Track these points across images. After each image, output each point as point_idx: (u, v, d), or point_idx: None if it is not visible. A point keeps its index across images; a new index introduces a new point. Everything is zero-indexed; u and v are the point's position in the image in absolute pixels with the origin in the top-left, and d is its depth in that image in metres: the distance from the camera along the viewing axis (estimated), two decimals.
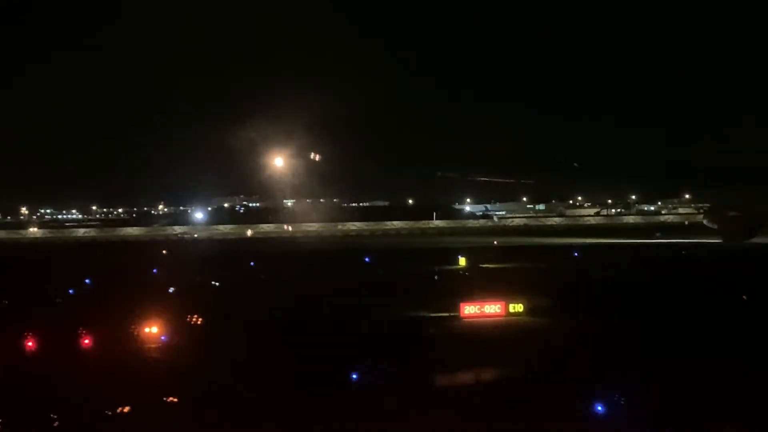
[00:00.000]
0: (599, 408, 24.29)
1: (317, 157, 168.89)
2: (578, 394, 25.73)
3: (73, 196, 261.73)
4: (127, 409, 26.28)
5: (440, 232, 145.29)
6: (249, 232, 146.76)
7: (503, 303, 45.00)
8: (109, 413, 25.77)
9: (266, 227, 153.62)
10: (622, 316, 42.65)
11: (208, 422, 24.91)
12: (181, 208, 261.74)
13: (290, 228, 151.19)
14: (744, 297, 48.05)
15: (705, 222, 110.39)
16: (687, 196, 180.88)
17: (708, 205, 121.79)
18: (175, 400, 27.43)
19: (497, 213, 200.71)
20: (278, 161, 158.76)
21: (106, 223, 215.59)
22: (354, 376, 29.40)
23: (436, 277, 63.50)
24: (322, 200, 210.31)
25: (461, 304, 44.49)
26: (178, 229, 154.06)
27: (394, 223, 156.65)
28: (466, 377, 29.81)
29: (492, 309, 44.78)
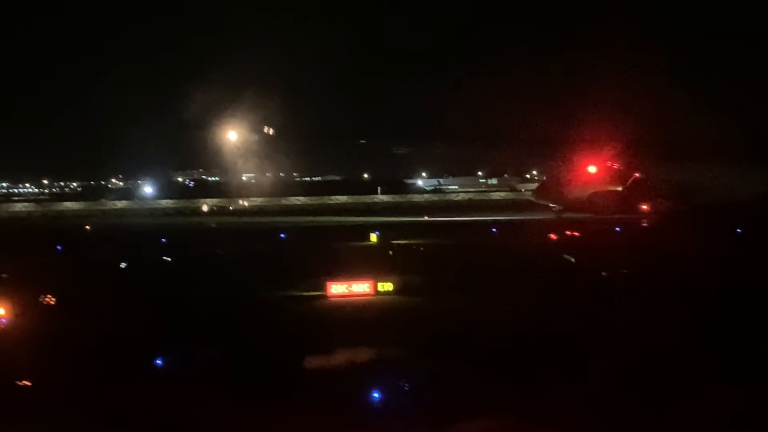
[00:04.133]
0: (375, 395, 23.68)
1: (270, 131, 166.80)
2: (365, 380, 25.15)
3: (34, 170, 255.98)
4: None
5: (384, 206, 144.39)
6: (205, 208, 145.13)
7: (372, 281, 44.32)
8: None
9: (209, 201, 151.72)
10: (494, 295, 41.89)
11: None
12: (139, 182, 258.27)
13: (245, 203, 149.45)
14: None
15: (534, 198, 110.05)
16: None
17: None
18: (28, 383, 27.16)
19: (449, 187, 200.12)
20: (232, 135, 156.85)
21: (59, 197, 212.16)
22: (158, 362, 28.58)
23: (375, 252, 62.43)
24: (282, 174, 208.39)
25: (327, 283, 43.73)
26: (119, 204, 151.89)
27: (339, 197, 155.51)
28: (279, 362, 28.96)
29: (360, 288, 44.08)
